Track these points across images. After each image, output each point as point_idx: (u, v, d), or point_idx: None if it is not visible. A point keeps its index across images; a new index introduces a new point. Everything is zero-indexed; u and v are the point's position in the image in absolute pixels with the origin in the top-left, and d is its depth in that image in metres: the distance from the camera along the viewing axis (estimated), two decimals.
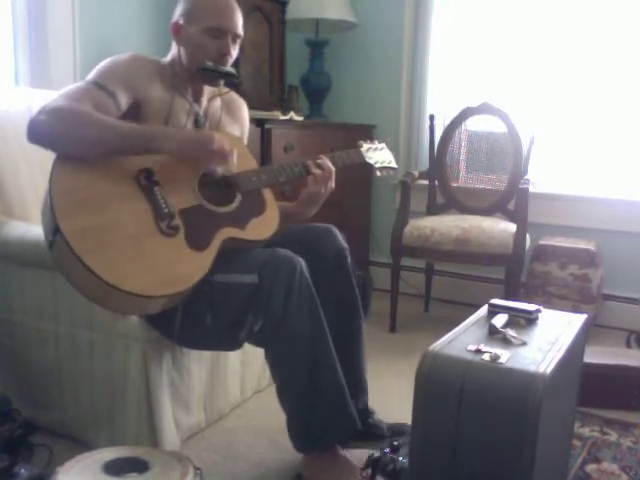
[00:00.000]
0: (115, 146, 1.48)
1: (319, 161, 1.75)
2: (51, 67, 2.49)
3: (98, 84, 1.56)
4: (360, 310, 1.76)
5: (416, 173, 3.04)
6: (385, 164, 1.96)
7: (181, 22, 1.68)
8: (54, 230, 1.39)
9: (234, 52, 1.70)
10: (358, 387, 1.75)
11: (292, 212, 1.82)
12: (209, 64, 1.64)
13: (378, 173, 1.96)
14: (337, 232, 1.76)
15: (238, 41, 1.70)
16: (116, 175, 1.49)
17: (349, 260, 1.73)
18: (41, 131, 1.46)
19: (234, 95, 1.89)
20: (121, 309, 1.52)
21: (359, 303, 1.76)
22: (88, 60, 2.57)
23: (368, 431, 1.74)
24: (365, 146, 1.95)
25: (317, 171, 1.73)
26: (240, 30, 1.69)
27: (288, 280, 1.51)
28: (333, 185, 1.77)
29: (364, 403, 1.78)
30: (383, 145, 2.02)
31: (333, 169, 1.76)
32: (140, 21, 2.83)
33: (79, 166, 1.46)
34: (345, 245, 1.74)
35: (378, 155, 1.96)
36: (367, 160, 1.91)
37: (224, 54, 1.66)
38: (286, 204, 1.84)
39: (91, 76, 1.60)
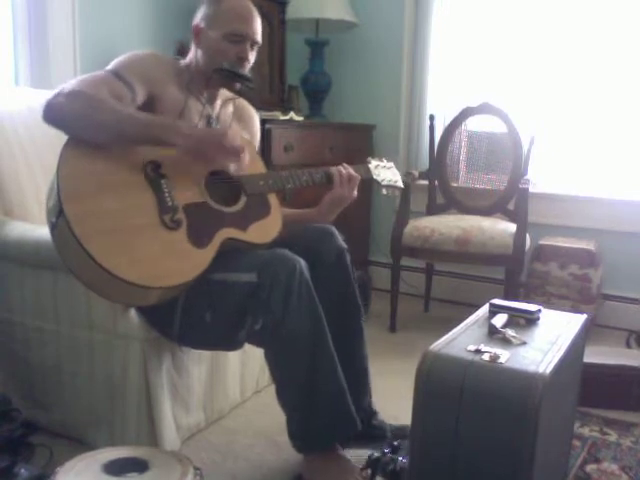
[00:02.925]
0: (128, 133, 1.49)
1: (344, 171, 1.77)
2: (51, 67, 2.49)
3: (117, 74, 1.58)
4: (360, 310, 1.76)
5: (416, 173, 3.04)
6: (392, 183, 1.96)
7: (202, 25, 1.69)
8: (58, 212, 1.39)
9: (252, 58, 1.72)
10: (361, 387, 1.74)
11: (311, 218, 1.83)
12: (226, 65, 1.66)
13: (384, 191, 1.96)
14: (336, 232, 1.76)
15: (256, 48, 1.73)
16: (124, 164, 1.50)
17: (349, 260, 1.74)
18: (57, 113, 1.48)
19: (246, 104, 1.90)
20: (117, 298, 1.53)
21: (359, 303, 1.76)
22: (88, 60, 2.57)
23: (371, 432, 1.74)
24: (374, 163, 1.95)
25: (343, 177, 1.76)
26: (259, 37, 1.72)
27: (288, 280, 1.51)
28: (356, 193, 1.79)
29: (367, 403, 1.78)
30: (392, 164, 2.02)
31: (358, 177, 1.79)
32: (140, 21, 2.83)
33: (88, 152, 1.47)
34: (344, 245, 1.74)
35: (385, 173, 1.96)
36: (374, 177, 1.91)
37: (242, 58, 1.68)
38: (305, 211, 1.85)
39: (111, 66, 1.62)
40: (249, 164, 1.66)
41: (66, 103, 1.47)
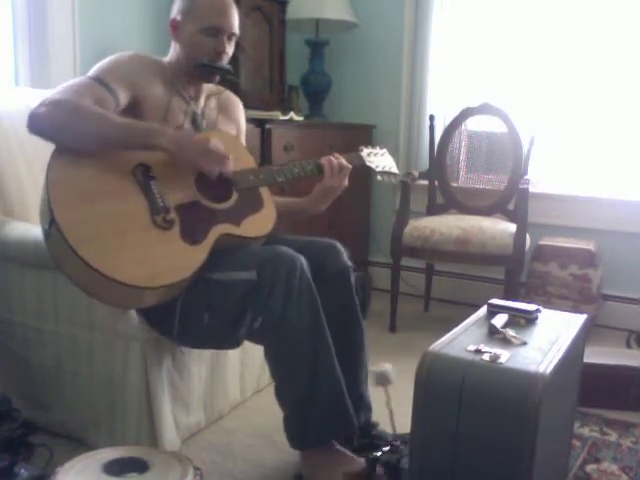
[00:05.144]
0: (113, 140, 1.49)
1: (335, 161, 1.76)
2: (51, 67, 2.49)
3: (99, 80, 1.57)
4: (362, 328, 1.74)
5: (416, 173, 3.04)
6: (386, 169, 1.94)
7: (179, 19, 1.69)
8: (50, 220, 1.40)
9: (230, 50, 1.72)
10: (359, 404, 1.71)
11: (303, 207, 1.83)
12: (206, 60, 1.67)
13: (379, 177, 1.94)
14: (341, 249, 1.75)
15: (234, 39, 1.73)
16: (113, 169, 1.51)
17: (352, 279, 1.73)
18: (41, 123, 1.47)
19: (230, 94, 1.90)
20: (117, 302, 1.53)
21: (361, 321, 1.74)
22: (88, 60, 2.56)
23: (372, 442, 1.71)
24: (366, 151, 1.93)
25: (334, 167, 1.74)
26: (236, 29, 1.71)
27: (288, 277, 1.50)
28: (346, 183, 1.78)
29: (366, 419, 1.75)
30: (384, 151, 2.00)
31: (349, 166, 1.78)
32: (140, 21, 2.83)
33: (76, 159, 1.48)
34: (349, 263, 1.73)
35: (379, 160, 1.95)
36: (368, 164, 1.90)
37: (220, 52, 1.68)
38: (296, 200, 1.84)
39: (92, 72, 1.61)
40: (237, 159, 1.65)
41: (50, 113, 1.47)
